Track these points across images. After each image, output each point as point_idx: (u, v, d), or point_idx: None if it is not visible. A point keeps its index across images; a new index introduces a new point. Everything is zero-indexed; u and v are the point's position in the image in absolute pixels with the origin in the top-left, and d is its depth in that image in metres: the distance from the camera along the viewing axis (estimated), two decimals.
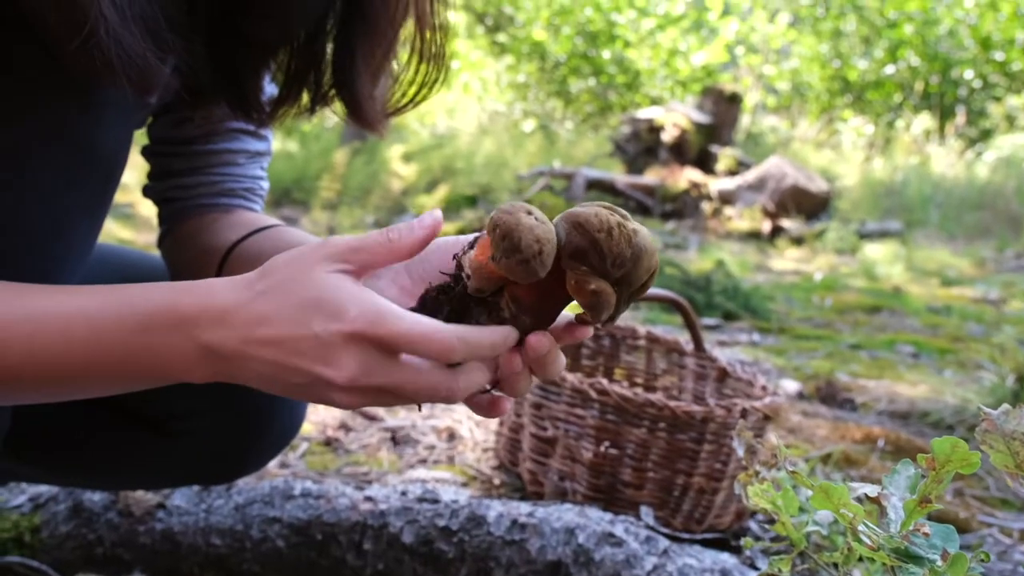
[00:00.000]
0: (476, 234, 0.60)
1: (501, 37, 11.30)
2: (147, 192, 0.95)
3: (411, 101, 0.86)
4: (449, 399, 0.58)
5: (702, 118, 7.24)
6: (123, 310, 0.58)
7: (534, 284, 0.55)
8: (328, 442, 1.62)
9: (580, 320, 0.61)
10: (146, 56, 0.62)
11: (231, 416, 0.94)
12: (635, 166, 7.25)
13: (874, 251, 5.51)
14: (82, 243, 0.75)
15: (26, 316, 0.57)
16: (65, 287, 0.61)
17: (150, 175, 0.94)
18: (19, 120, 0.65)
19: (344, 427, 1.70)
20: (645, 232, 0.57)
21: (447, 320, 0.58)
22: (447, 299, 0.59)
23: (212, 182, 0.92)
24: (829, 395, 2.26)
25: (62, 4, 0.57)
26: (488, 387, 0.61)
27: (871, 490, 0.65)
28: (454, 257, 0.61)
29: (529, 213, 0.54)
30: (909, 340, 3.06)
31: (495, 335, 0.57)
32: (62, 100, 0.67)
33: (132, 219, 4.82)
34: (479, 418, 1.80)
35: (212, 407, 0.94)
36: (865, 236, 6.04)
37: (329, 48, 0.84)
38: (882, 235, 6.10)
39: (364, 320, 0.54)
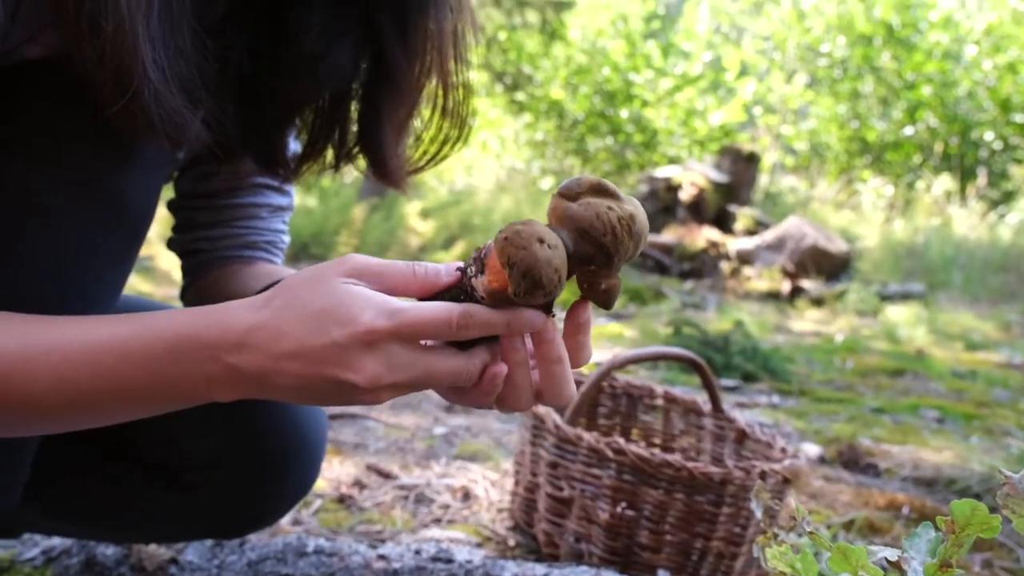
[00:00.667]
0: (478, 252, 0.60)
1: (520, 95, 11.52)
2: (171, 245, 0.97)
3: (433, 158, 0.88)
4: (468, 381, 0.60)
5: (720, 177, 7.30)
6: (149, 336, 0.59)
7: None
8: (342, 499, 1.61)
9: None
10: (183, 113, 0.65)
11: (246, 467, 0.94)
12: (653, 225, 7.28)
13: (896, 313, 5.45)
14: (108, 294, 0.77)
15: (54, 346, 0.59)
16: (91, 317, 0.62)
17: (175, 228, 0.97)
18: (53, 169, 0.67)
19: (358, 484, 1.69)
20: (638, 209, 0.58)
21: None
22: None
23: (236, 235, 0.94)
24: (851, 460, 2.22)
25: (108, 67, 0.60)
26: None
27: (891, 553, 0.64)
28: (460, 271, 0.61)
29: (541, 241, 0.55)
30: (933, 405, 3.01)
31: (496, 313, 0.59)
32: (96, 152, 0.69)
33: (152, 272, 4.90)
34: (495, 477, 1.78)
35: (227, 458, 0.94)
36: (887, 298, 5.99)
37: (354, 107, 0.86)
38: (904, 297, 6.05)
39: (378, 319, 0.56)
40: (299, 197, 8.31)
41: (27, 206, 0.66)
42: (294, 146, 0.91)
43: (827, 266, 6.18)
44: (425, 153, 0.88)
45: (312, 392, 0.59)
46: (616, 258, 0.56)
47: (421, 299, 0.60)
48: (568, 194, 0.57)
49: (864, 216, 9.24)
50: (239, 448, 0.93)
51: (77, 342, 0.59)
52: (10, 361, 0.58)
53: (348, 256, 0.61)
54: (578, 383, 1.65)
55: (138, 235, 0.77)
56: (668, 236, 6.85)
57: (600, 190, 0.57)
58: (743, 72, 12.24)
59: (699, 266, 6.56)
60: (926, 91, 10.91)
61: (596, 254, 0.56)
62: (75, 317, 0.62)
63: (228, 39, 0.78)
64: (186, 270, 0.97)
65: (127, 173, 0.72)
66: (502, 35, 10.17)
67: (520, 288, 0.54)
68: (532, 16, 9.50)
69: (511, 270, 0.54)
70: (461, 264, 0.61)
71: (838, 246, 6.31)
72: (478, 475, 1.78)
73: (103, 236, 0.72)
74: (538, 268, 0.53)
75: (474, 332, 0.58)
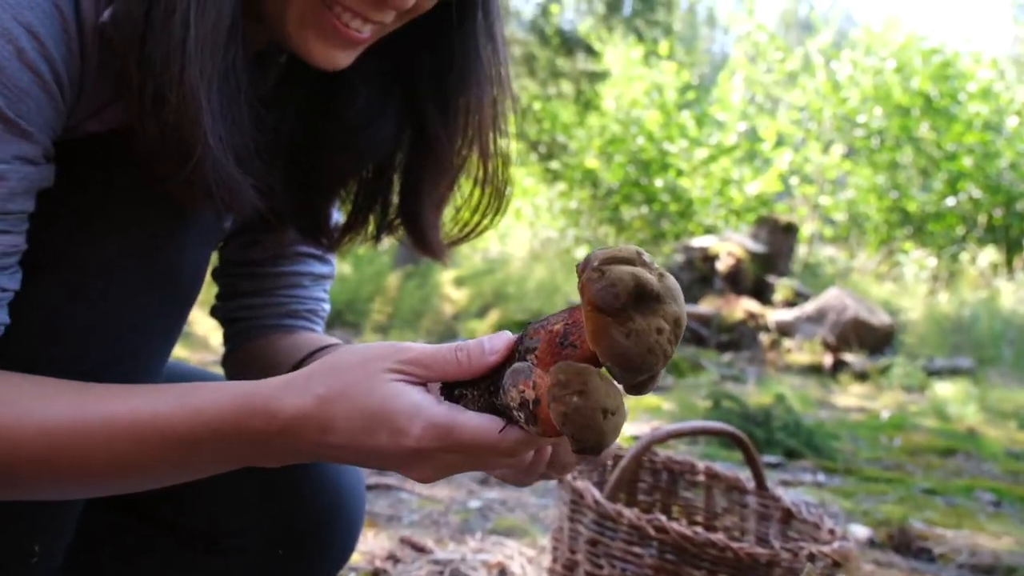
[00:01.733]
0: (527, 360, 0.58)
1: (554, 164, 11.67)
2: (215, 312, 0.99)
3: (473, 229, 0.89)
4: (518, 468, 0.63)
5: (757, 247, 7.26)
6: (194, 422, 0.60)
7: None
8: (376, 573, 1.58)
9: None
10: (239, 182, 0.67)
11: (286, 533, 0.92)
12: (689, 295, 7.24)
13: (944, 389, 5.28)
14: (157, 362, 0.78)
15: (103, 422, 0.60)
16: (138, 389, 0.63)
17: (218, 296, 0.99)
18: (110, 238, 0.69)
19: (392, 558, 1.66)
20: (679, 301, 0.54)
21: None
22: (473, 402, 0.59)
23: (278, 303, 0.95)
24: (903, 544, 2.12)
25: (171, 138, 0.62)
26: None
27: None
28: (510, 351, 0.60)
29: (605, 413, 0.52)
30: (988, 487, 2.88)
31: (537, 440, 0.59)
32: (152, 223, 0.71)
33: (188, 337, 4.97)
34: (531, 554, 1.73)
35: (267, 524, 0.92)
36: (933, 373, 5.81)
37: (395, 179, 0.88)
38: (952, 372, 5.86)
39: (430, 438, 0.57)
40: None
41: (85, 278, 0.68)
42: (336, 216, 0.93)
43: (870, 339, 6.05)
44: (465, 225, 0.89)
45: (364, 466, 0.62)
46: (657, 376, 0.54)
47: (469, 378, 0.60)
48: (609, 309, 0.51)
49: (907, 288, 9.08)
50: (279, 514, 0.92)
51: (124, 420, 0.60)
52: (63, 436, 0.59)
53: (393, 346, 0.61)
54: (617, 458, 1.61)
55: (188, 304, 0.78)
56: (705, 307, 6.78)
57: (642, 295, 0.52)
58: (779, 142, 12.28)
59: (737, 338, 6.46)
60: (967, 162, 10.81)
61: (647, 380, 0.54)
62: (123, 389, 0.63)
63: (278, 112, 0.81)
64: (228, 337, 0.98)
65: (181, 243, 0.74)
66: (537, 105, 10.39)
67: (575, 444, 0.53)
68: (567, 86, 9.72)
69: (574, 443, 0.53)
70: (505, 335, 0.60)
71: (881, 319, 6.18)
72: (514, 551, 1.74)
73: (156, 306, 0.73)
74: (604, 445, 0.52)
75: (521, 453, 0.59)
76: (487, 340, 0.61)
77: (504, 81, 0.86)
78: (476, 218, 0.89)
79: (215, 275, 0.99)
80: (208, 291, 1.00)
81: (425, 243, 0.89)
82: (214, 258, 0.97)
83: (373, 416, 0.57)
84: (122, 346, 0.72)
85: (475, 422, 0.57)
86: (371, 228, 0.91)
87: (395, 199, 0.89)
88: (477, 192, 0.87)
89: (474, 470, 0.61)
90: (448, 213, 0.90)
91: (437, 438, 0.56)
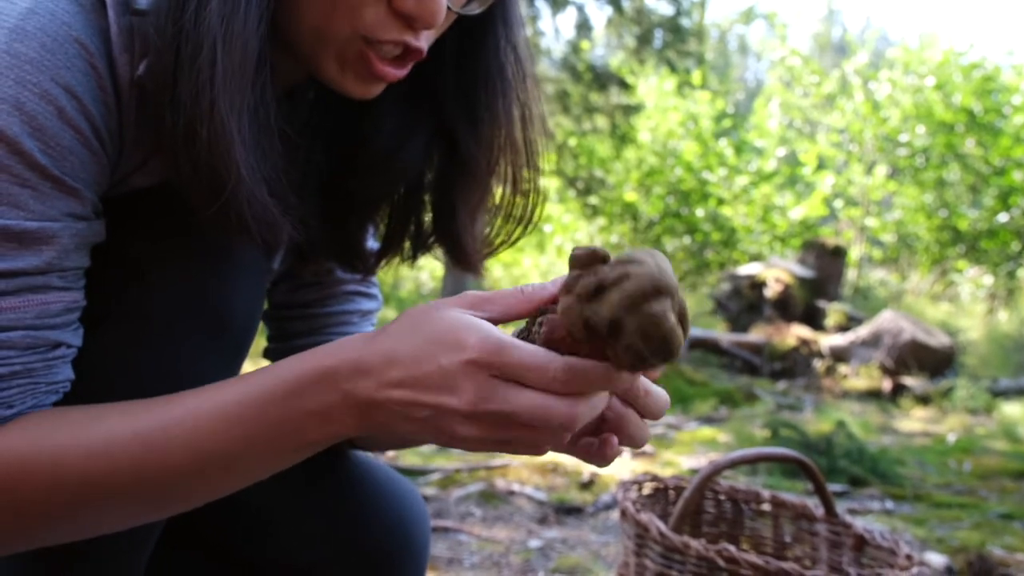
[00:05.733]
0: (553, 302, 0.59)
1: (592, 199, 11.67)
2: (268, 354, 1.01)
3: (507, 238, 0.90)
4: (567, 426, 0.57)
5: (805, 273, 7.14)
6: (271, 382, 0.61)
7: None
8: None
9: None
10: (274, 213, 0.68)
11: (351, 568, 0.92)
12: (738, 323, 7.12)
13: (1012, 410, 5.07)
14: None
15: (186, 414, 0.61)
16: (214, 384, 0.64)
17: (270, 338, 1.00)
18: (162, 288, 0.70)
19: None
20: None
21: None
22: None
23: (329, 342, 0.97)
24: (983, 571, 2.02)
25: (203, 171, 0.63)
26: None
27: None
28: (539, 313, 0.60)
29: (660, 293, 0.50)
30: None
31: (599, 369, 0.56)
32: (201, 268, 0.72)
33: None
34: None
35: (330, 556, 0.91)
36: (999, 394, 5.59)
37: (427, 198, 0.89)
38: (1019, 393, 5.64)
39: (483, 349, 0.56)
40: None
41: (140, 328, 0.69)
42: (371, 242, 0.94)
43: (929, 362, 5.86)
44: (498, 234, 0.90)
45: (411, 422, 0.59)
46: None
47: (532, 313, 0.61)
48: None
49: (964, 308, 8.82)
50: (343, 549, 0.91)
51: (204, 406, 0.61)
52: (143, 439, 0.60)
53: (464, 292, 0.63)
54: (680, 488, 1.58)
55: (243, 348, 0.79)
56: (756, 335, 6.66)
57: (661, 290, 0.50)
58: (820, 166, 12.13)
59: (791, 365, 6.32)
60: (1017, 176, 10.53)
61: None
62: (186, 393, 0.64)
63: (309, 143, 0.83)
64: None
65: (232, 288, 0.75)
66: (572, 141, 10.44)
67: (643, 352, 0.50)
68: (601, 121, 9.75)
69: (639, 336, 0.49)
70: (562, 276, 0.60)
71: (940, 340, 5.99)
72: None
73: (212, 351, 0.74)
74: (675, 340, 0.49)
75: (570, 388, 0.56)
76: (550, 282, 0.62)
77: (528, 83, 0.86)
78: (511, 225, 0.89)
79: (266, 319, 1.00)
80: (257, 341, 1.02)
81: (462, 257, 0.89)
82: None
83: (435, 337, 0.58)
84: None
85: (529, 347, 0.57)
86: (407, 248, 0.92)
87: (428, 217, 0.90)
88: (509, 198, 0.88)
89: (515, 412, 0.56)
90: (483, 224, 0.91)
91: (490, 352, 0.56)
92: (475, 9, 0.75)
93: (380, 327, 0.64)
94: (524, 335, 0.60)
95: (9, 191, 0.58)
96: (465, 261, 0.89)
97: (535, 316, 0.60)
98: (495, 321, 0.61)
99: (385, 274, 0.95)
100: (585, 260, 0.54)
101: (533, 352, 0.57)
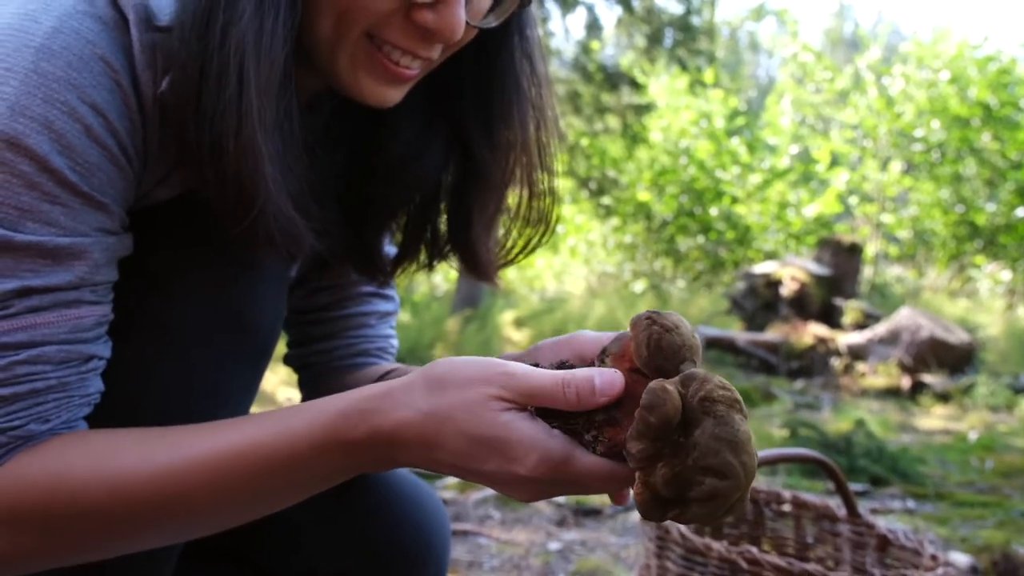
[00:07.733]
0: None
1: (605, 200, 11.64)
2: (288, 360, 1.01)
3: (523, 249, 0.91)
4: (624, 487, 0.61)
5: (821, 270, 7.08)
6: (294, 442, 0.61)
7: None
8: None
9: None
10: (298, 225, 0.68)
11: (379, 570, 0.92)
12: (754, 322, 7.08)
13: None
14: (240, 414, 0.79)
15: (207, 458, 0.61)
16: (235, 423, 0.64)
17: (290, 344, 1.01)
18: (182, 298, 0.71)
19: None
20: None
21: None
22: (560, 424, 0.59)
23: (348, 345, 0.97)
24: (1009, 571, 2.00)
25: (231, 187, 0.64)
26: None
27: None
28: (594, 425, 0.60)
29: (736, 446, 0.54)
30: None
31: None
32: (224, 277, 0.73)
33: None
34: None
35: (358, 564, 0.92)
36: (1020, 390, 5.52)
37: (443, 205, 0.90)
38: None
39: (544, 469, 0.57)
40: None
41: (166, 338, 0.70)
42: (389, 250, 0.94)
43: (949, 358, 5.80)
44: (514, 244, 0.90)
45: (463, 479, 0.62)
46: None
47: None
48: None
49: (982, 304, 8.73)
50: (365, 555, 0.91)
51: (229, 454, 0.61)
52: (168, 478, 0.60)
53: (496, 367, 0.60)
54: None
55: (266, 355, 0.80)
56: (772, 334, 6.61)
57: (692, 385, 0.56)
58: (834, 162, 12.03)
59: (808, 364, 6.27)
60: None
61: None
62: (221, 425, 0.64)
63: (330, 152, 0.83)
64: (303, 383, 1.00)
65: (255, 296, 0.75)
66: (584, 141, 10.42)
67: (702, 512, 0.55)
68: (613, 121, 9.72)
69: (704, 487, 0.53)
70: (616, 377, 0.60)
71: (959, 337, 5.93)
72: None
73: (236, 359, 0.75)
74: (740, 505, 0.55)
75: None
76: (598, 377, 0.59)
77: (543, 89, 0.86)
78: (529, 230, 0.90)
79: (284, 325, 1.01)
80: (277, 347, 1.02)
81: (476, 266, 0.90)
82: None
83: (484, 443, 0.57)
84: (208, 401, 0.73)
85: (591, 460, 0.58)
86: (423, 256, 0.93)
87: (444, 225, 0.91)
88: (525, 207, 0.89)
89: (579, 494, 0.61)
90: (498, 234, 0.92)
91: (552, 470, 0.57)
92: (492, 22, 0.75)
93: (411, 380, 0.62)
94: (575, 431, 0.59)
95: (40, 208, 0.59)
96: (478, 269, 0.90)
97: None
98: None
99: (399, 279, 0.95)
100: (659, 430, 0.54)
101: (594, 465, 0.58)
